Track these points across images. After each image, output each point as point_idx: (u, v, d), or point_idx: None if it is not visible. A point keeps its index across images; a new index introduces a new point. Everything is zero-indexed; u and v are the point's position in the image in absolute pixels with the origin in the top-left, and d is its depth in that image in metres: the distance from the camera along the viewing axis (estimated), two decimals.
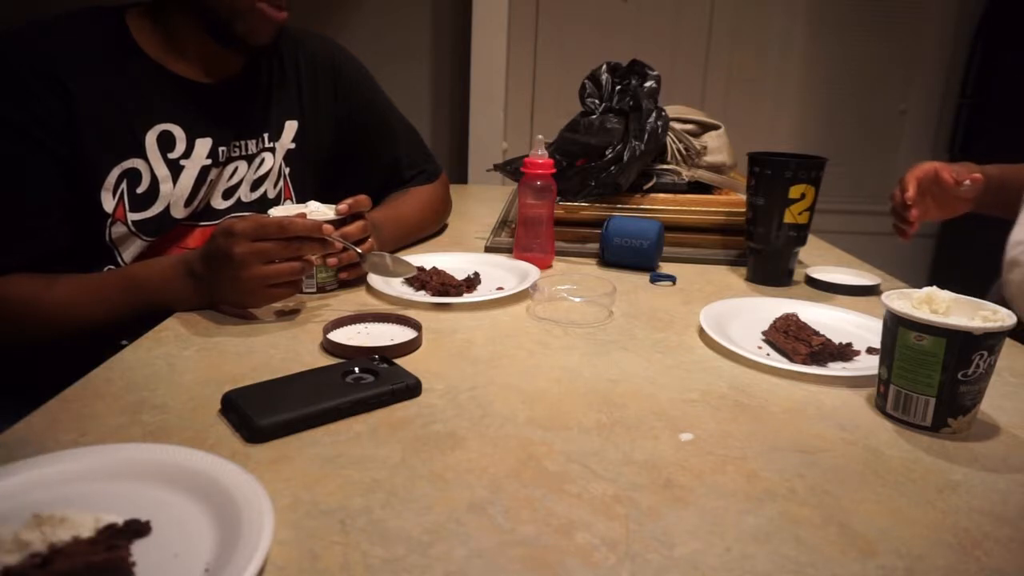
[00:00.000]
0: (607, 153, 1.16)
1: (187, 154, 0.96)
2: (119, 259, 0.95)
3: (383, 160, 1.23)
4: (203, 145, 0.98)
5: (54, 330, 0.87)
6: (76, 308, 0.86)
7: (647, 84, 1.20)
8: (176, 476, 0.51)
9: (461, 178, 2.60)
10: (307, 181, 1.13)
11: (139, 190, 0.93)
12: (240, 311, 0.85)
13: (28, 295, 0.85)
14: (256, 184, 1.06)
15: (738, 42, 2.62)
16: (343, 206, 0.91)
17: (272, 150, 1.07)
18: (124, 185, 0.92)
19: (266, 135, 1.06)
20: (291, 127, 1.09)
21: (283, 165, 1.09)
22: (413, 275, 0.95)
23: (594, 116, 1.21)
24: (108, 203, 0.91)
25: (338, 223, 0.90)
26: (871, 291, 1.04)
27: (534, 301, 0.93)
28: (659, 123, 1.16)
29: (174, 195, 0.96)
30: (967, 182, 1.03)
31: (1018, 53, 2.42)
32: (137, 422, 0.61)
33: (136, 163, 0.93)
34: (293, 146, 1.10)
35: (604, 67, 1.25)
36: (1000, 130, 2.48)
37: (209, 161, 0.98)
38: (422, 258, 1.05)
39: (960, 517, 0.52)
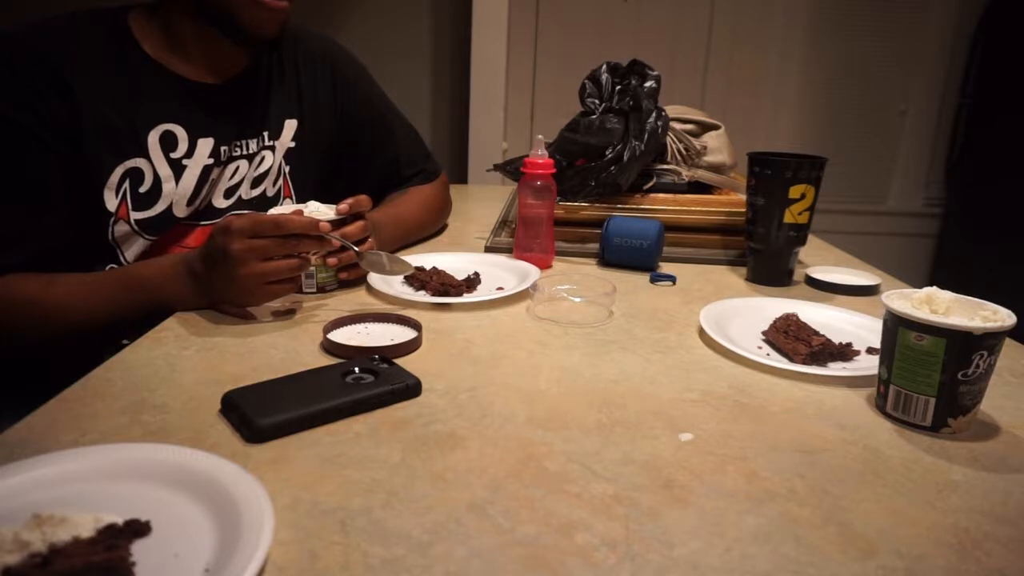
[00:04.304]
0: (607, 153, 1.16)
1: (189, 153, 0.97)
2: (121, 258, 0.95)
3: (382, 159, 1.23)
4: (205, 145, 0.98)
5: (54, 329, 0.87)
6: (76, 307, 0.86)
7: (647, 84, 1.20)
8: (176, 476, 0.51)
9: (461, 178, 2.60)
10: (307, 179, 1.14)
11: (142, 189, 0.94)
12: (239, 311, 0.85)
13: (28, 294, 0.85)
14: (256, 182, 1.07)
15: (738, 42, 2.62)
16: (343, 206, 0.91)
17: (272, 148, 1.07)
18: (127, 184, 0.93)
19: (266, 133, 1.06)
20: (291, 126, 1.09)
21: (283, 163, 1.09)
22: (411, 273, 0.95)
23: (594, 116, 1.21)
24: (111, 202, 0.92)
25: (338, 223, 0.90)
26: (871, 291, 1.04)
27: (534, 301, 0.93)
28: (659, 123, 1.16)
29: (176, 194, 0.96)
30: None
31: (1018, 53, 2.42)
32: (137, 422, 0.61)
33: (139, 163, 0.93)
34: (293, 145, 1.10)
35: (604, 67, 1.25)
36: (1000, 131, 2.48)
37: (211, 160, 0.99)
38: (422, 258, 1.05)
39: (960, 517, 0.52)
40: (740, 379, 0.74)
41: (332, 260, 0.92)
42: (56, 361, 0.80)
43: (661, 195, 1.20)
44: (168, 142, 0.95)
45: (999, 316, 0.63)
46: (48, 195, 0.88)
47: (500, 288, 0.97)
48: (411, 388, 0.67)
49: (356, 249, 0.89)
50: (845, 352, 0.79)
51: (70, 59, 0.88)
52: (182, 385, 0.68)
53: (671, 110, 1.25)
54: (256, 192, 1.07)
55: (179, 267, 0.86)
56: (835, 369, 0.76)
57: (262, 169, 1.07)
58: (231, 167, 1.03)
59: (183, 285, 0.85)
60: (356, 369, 0.68)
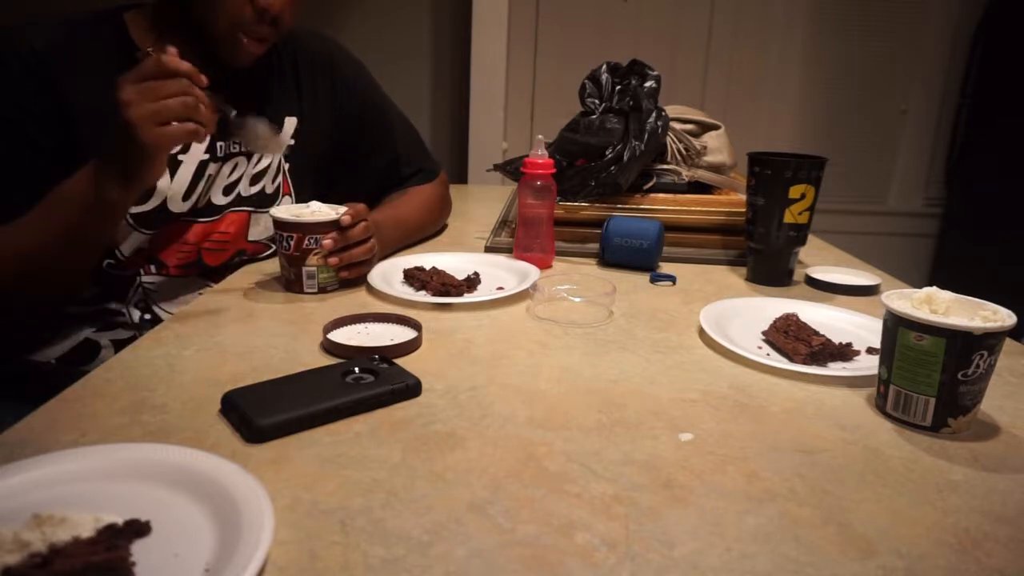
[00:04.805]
0: (607, 153, 1.16)
1: (184, 149, 0.97)
2: (117, 252, 0.96)
3: (381, 157, 1.23)
4: None
5: (3, 274, 0.85)
6: (14, 245, 0.84)
7: (647, 84, 1.20)
8: (176, 476, 0.51)
9: (461, 178, 2.60)
10: (306, 177, 1.14)
11: None
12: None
13: None
14: (255, 179, 1.07)
15: (738, 42, 2.62)
16: (346, 218, 0.92)
17: None
18: None
19: None
20: (290, 123, 1.10)
21: (282, 161, 1.10)
22: (281, 153, 0.96)
23: (594, 116, 1.21)
24: None
25: (338, 224, 0.92)
26: (871, 291, 1.04)
27: (534, 301, 0.93)
28: (659, 123, 1.16)
29: (171, 189, 0.96)
30: None
31: (1018, 53, 2.42)
32: (137, 422, 0.61)
33: None
34: (292, 142, 1.10)
35: (604, 67, 1.25)
36: (1000, 131, 2.48)
37: (207, 156, 0.99)
38: (422, 258, 1.05)
39: (960, 517, 0.52)
40: (740, 379, 0.74)
41: (333, 260, 0.92)
42: (54, 360, 0.79)
43: (661, 195, 1.20)
44: None
45: (999, 316, 0.63)
46: (41, 192, 0.89)
47: (500, 288, 0.97)
48: (411, 388, 0.67)
49: (230, 112, 0.92)
50: (845, 352, 0.79)
51: (65, 58, 0.89)
52: (182, 385, 0.68)
53: (671, 110, 1.25)
54: (255, 189, 1.07)
55: (91, 162, 0.83)
56: (835, 369, 0.76)
57: (261, 166, 1.07)
58: (229, 164, 1.03)
59: (96, 171, 0.82)
60: (356, 369, 0.68)
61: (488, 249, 1.17)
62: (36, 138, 0.88)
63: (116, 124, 0.79)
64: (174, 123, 0.78)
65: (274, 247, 1.09)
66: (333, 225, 0.92)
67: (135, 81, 0.78)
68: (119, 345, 0.98)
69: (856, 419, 0.66)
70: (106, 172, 0.82)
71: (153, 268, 0.99)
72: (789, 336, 0.79)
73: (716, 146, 1.26)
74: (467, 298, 0.93)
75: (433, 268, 1.00)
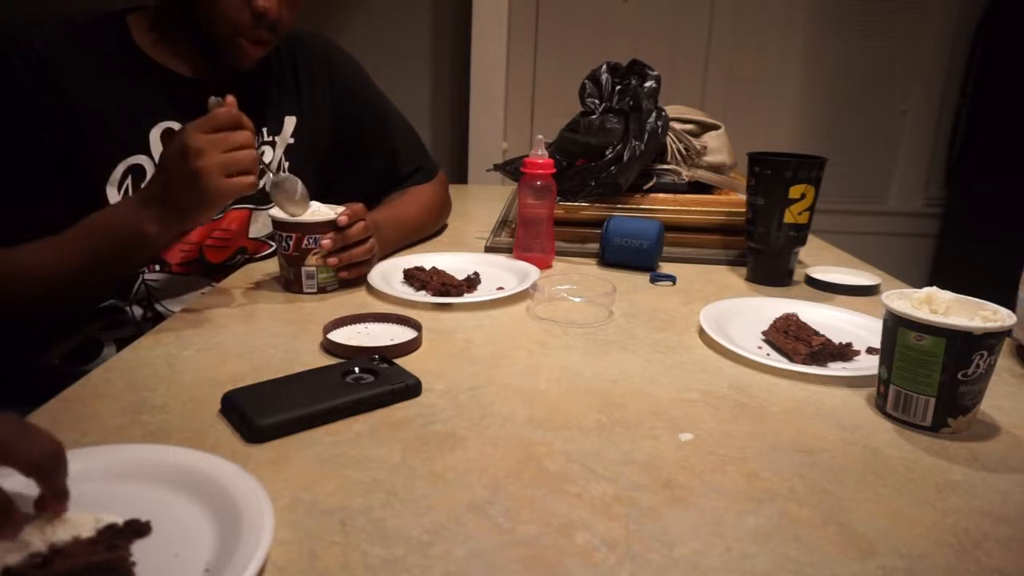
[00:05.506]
0: (607, 153, 1.16)
1: None
2: None
3: (380, 156, 1.23)
4: None
5: (28, 293, 0.85)
6: (42, 267, 0.84)
7: (647, 84, 1.20)
8: (176, 476, 0.51)
9: (461, 178, 2.60)
10: (307, 175, 1.13)
11: (143, 185, 0.94)
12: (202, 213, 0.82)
13: None
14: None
15: (738, 42, 2.62)
16: (343, 218, 0.92)
17: (272, 144, 1.08)
18: (129, 180, 0.94)
19: (264, 129, 1.07)
20: (290, 122, 1.10)
21: (283, 159, 1.10)
22: (306, 213, 0.93)
23: (594, 116, 1.21)
24: (114, 197, 0.93)
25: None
26: (871, 291, 1.04)
27: (534, 301, 0.93)
28: (659, 123, 1.16)
29: None
30: None
31: (1018, 53, 2.42)
32: (137, 422, 0.61)
33: (140, 159, 0.94)
34: (292, 141, 1.11)
35: (604, 67, 1.25)
36: (1000, 131, 2.48)
37: None
38: (422, 258, 1.05)
39: (960, 517, 0.52)
40: (740, 379, 0.74)
41: (332, 260, 0.92)
42: (56, 358, 0.80)
43: (661, 195, 1.20)
44: (169, 139, 0.96)
45: (999, 316, 0.63)
46: (43, 190, 0.89)
47: (500, 288, 0.97)
48: (411, 388, 0.67)
49: (272, 172, 0.94)
50: (845, 352, 0.79)
51: (68, 59, 0.89)
52: (182, 385, 0.68)
53: (671, 110, 1.25)
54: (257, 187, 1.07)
55: (132, 198, 0.84)
56: (835, 369, 0.76)
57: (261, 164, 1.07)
58: None
59: (140, 207, 0.82)
60: (356, 369, 0.68)
61: (488, 249, 1.17)
62: (41, 137, 0.88)
63: (167, 169, 0.79)
64: (236, 175, 0.79)
65: (274, 246, 1.09)
66: (332, 225, 0.92)
67: (208, 130, 0.78)
68: (121, 343, 0.98)
69: (856, 419, 0.66)
70: (149, 212, 0.81)
71: (156, 266, 1.00)
72: (789, 336, 0.79)
73: (716, 146, 1.26)
74: (467, 298, 0.93)
75: (433, 268, 1.00)
